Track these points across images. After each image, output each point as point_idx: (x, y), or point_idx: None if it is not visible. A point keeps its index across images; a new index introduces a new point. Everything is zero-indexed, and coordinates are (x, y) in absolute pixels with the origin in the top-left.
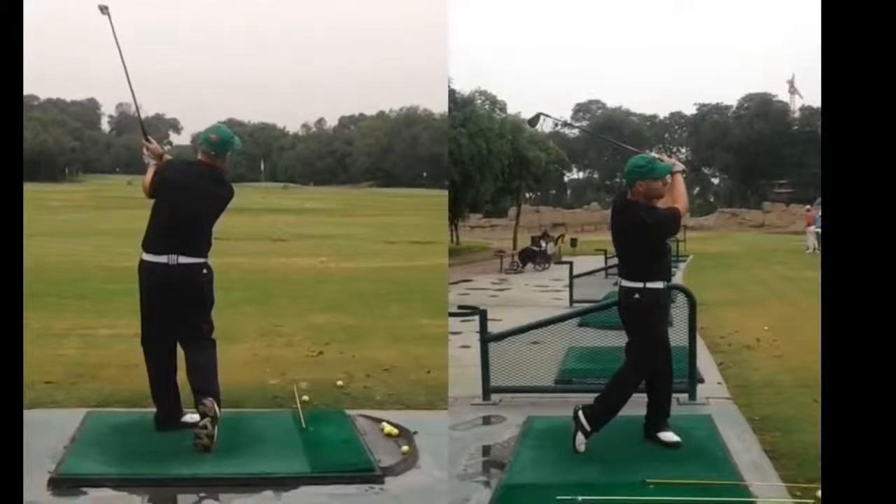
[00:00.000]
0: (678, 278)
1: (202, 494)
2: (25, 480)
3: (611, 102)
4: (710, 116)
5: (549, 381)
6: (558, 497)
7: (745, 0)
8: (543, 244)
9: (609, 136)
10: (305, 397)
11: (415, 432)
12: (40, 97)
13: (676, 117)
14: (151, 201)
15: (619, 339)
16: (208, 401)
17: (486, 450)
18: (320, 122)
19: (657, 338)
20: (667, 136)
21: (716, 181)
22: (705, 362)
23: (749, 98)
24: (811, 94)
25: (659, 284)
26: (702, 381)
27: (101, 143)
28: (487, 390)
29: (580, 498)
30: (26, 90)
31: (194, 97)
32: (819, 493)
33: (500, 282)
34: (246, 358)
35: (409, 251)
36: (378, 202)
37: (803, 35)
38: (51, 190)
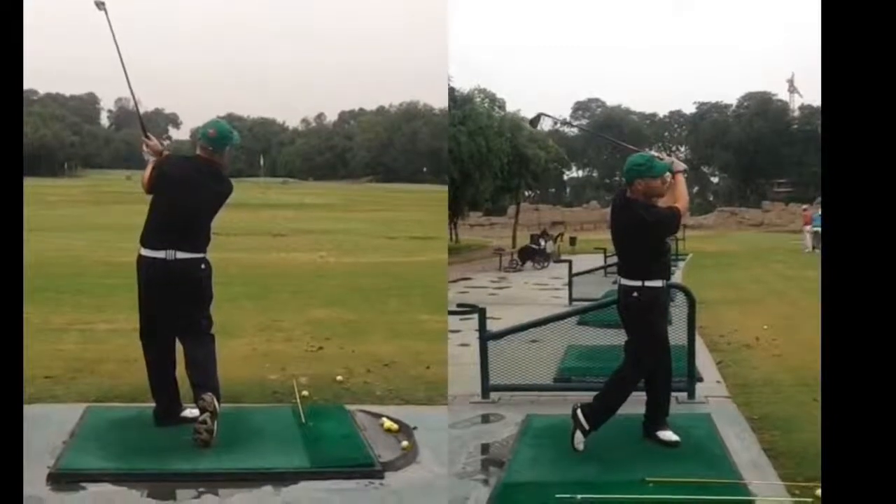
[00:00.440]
0: (677, 277)
1: (201, 489)
2: (25, 475)
3: (610, 101)
4: (709, 115)
5: (548, 379)
6: (557, 495)
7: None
8: (543, 242)
9: (608, 134)
10: (305, 392)
11: (414, 428)
12: (39, 92)
13: (676, 116)
14: (150, 196)
15: (618, 337)
16: (207, 395)
17: (484, 448)
18: (320, 117)
19: (656, 336)
20: (666, 134)
21: (715, 180)
22: (704, 361)
23: (749, 97)
24: (811, 93)
25: (658, 283)
26: (701, 379)
27: (101, 138)
28: (486, 388)
29: (579, 496)
30: (26, 85)
31: (193, 92)
32: (818, 491)
33: (499, 280)
34: (245, 353)
35: (408, 246)
36: (378, 197)
37: (803, 34)
38: (50, 185)
